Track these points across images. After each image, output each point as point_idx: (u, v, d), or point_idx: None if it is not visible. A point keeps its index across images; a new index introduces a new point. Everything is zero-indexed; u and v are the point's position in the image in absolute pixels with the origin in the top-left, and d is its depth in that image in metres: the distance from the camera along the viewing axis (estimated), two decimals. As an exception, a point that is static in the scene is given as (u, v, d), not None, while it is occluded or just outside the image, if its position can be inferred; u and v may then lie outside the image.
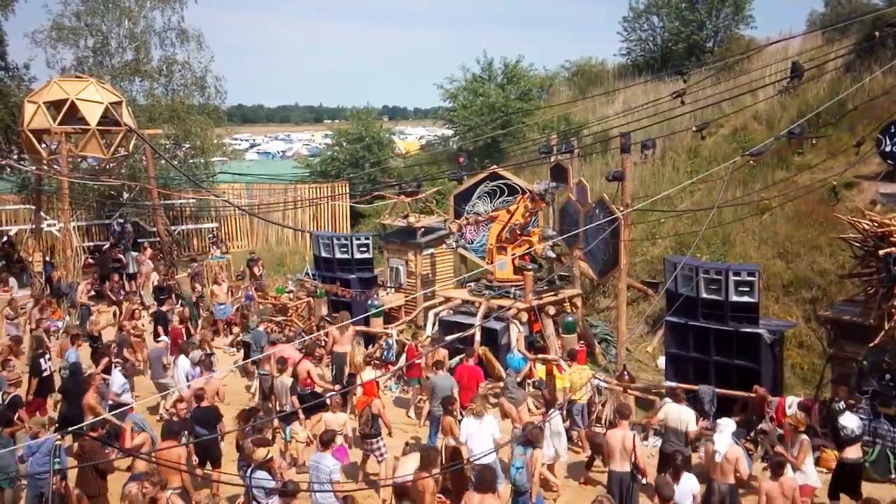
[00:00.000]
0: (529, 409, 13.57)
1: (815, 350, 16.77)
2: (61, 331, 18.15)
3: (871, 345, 12.29)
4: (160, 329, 17.54)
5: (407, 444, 11.22)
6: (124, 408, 12.81)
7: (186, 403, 12.16)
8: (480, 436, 10.77)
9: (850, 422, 10.83)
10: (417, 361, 14.94)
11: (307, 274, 22.71)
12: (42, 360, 14.48)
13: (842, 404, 11.07)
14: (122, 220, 26.79)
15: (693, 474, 9.80)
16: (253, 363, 16.38)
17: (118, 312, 19.99)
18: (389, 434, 12.57)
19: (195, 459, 11.70)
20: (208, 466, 11.69)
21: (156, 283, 21.91)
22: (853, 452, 10.69)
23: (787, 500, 8.98)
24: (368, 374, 13.80)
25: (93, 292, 21.44)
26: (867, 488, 11.17)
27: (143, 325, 17.66)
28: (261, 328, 17.13)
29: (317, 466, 9.96)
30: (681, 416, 11.17)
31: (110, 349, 15.05)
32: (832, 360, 13.74)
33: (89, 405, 12.23)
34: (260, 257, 24.61)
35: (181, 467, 10.00)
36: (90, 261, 24.48)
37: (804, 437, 10.61)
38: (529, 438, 9.96)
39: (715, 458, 9.79)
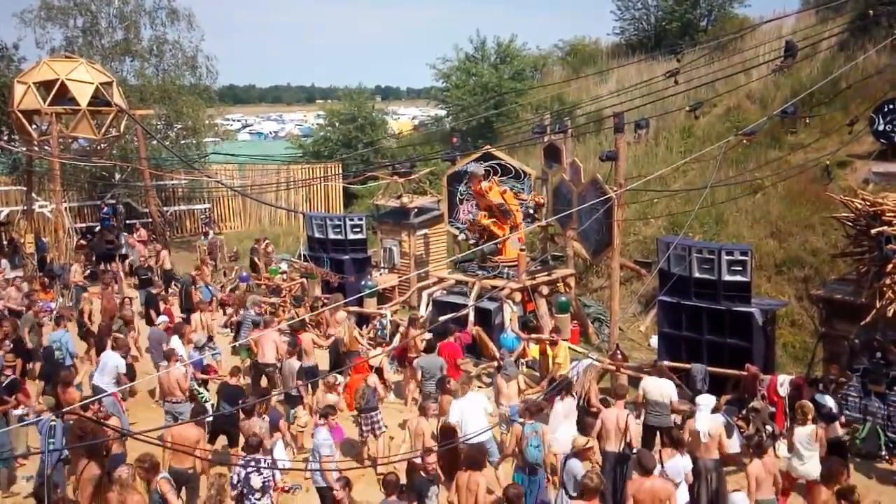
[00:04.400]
0: (520, 387, 13.64)
1: (807, 329, 16.86)
2: (54, 312, 18.08)
3: (863, 323, 12.36)
4: (153, 313, 17.45)
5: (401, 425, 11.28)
6: (106, 394, 12.63)
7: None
8: (472, 414, 10.84)
9: (827, 400, 10.96)
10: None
11: (299, 255, 22.67)
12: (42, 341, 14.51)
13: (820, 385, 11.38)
14: (113, 202, 26.67)
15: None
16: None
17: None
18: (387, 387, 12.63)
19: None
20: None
21: (138, 263, 21.82)
22: (836, 430, 10.83)
23: (770, 476, 9.17)
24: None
25: (87, 272, 21.38)
26: (860, 467, 11.33)
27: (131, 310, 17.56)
28: (251, 311, 16.85)
29: (314, 440, 10.05)
30: (662, 389, 11.32)
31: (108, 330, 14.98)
32: (824, 339, 13.81)
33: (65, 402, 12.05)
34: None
35: (195, 449, 9.92)
36: (82, 242, 24.39)
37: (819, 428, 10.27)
38: (534, 412, 10.05)
39: (701, 438, 9.88)
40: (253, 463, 9.20)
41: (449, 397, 11.49)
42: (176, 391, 12.31)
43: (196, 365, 13.74)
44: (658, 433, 10.99)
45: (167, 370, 12.55)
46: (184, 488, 9.66)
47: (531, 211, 18.65)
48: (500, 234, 17.49)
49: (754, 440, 9.51)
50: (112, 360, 13.19)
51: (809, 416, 10.17)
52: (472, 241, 18.30)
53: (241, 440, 10.99)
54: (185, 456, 9.73)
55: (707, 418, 10.08)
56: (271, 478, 9.23)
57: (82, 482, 9.19)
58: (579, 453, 9.42)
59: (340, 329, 14.96)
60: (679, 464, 9.60)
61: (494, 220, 17.65)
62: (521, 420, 10.16)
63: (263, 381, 14.38)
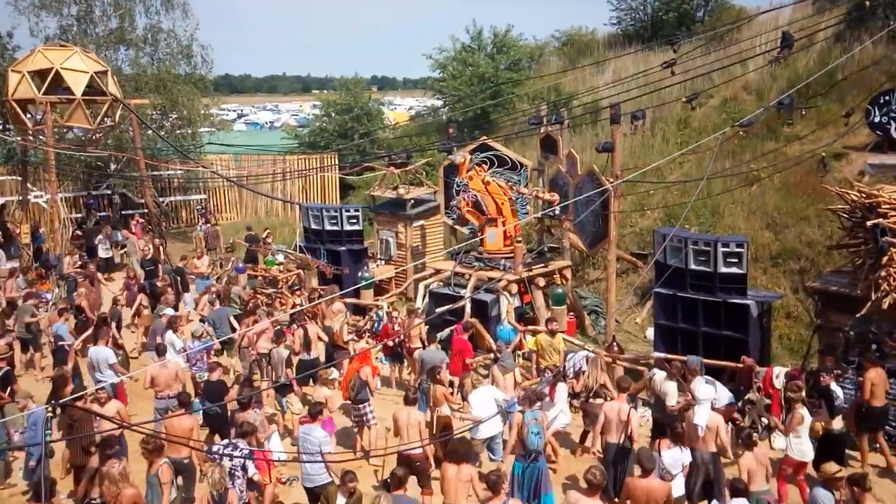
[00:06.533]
0: (516, 380, 13.64)
1: (803, 320, 16.92)
2: (51, 303, 18.03)
3: (858, 315, 12.39)
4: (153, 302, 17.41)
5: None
6: (105, 384, 12.53)
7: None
8: (487, 405, 10.97)
9: (840, 392, 11.01)
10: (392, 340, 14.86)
11: (296, 246, 22.64)
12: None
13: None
14: (108, 192, 26.55)
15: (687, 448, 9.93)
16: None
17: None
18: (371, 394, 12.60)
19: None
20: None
21: (138, 255, 21.75)
22: (839, 421, 10.87)
23: (762, 467, 9.22)
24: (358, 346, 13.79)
25: (79, 263, 21.28)
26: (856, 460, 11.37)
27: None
28: (222, 306, 16.50)
29: (306, 438, 9.98)
30: (661, 388, 11.40)
31: (102, 321, 14.93)
32: (819, 331, 13.85)
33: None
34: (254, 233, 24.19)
35: (189, 440, 9.92)
36: (78, 233, 24.30)
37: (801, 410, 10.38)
38: (534, 400, 10.10)
39: (698, 432, 9.91)
40: (227, 449, 9.26)
41: (442, 388, 11.50)
42: (173, 385, 12.14)
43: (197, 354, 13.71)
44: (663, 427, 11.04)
45: (171, 362, 12.54)
46: (180, 477, 9.70)
47: (526, 204, 18.68)
48: (477, 223, 17.59)
49: (745, 433, 9.57)
50: (101, 355, 13.14)
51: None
52: (465, 230, 18.38)
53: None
54: (182, 446, 9.76)
55: (705, 411, 10.10)
56: (241, 464, 9.20)
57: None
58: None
59: (336, 321, 14.96)
60: (677, 457, 9.64)
61: (470, 210, 17.72)
62: (520, 409, 10.19)
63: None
